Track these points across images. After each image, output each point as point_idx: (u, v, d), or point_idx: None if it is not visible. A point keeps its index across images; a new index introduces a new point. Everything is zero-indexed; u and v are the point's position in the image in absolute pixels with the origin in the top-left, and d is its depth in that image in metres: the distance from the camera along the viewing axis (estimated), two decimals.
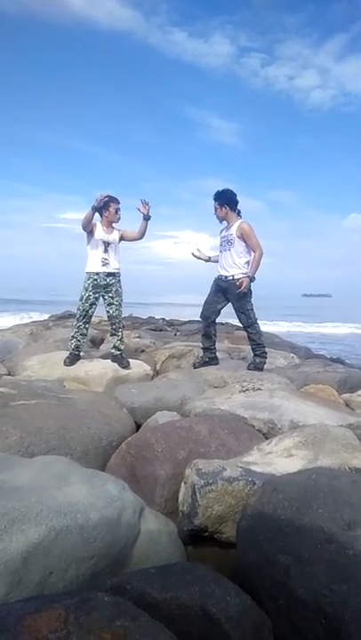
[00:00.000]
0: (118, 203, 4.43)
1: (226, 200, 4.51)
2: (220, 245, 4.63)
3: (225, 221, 4.60)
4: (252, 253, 4.46)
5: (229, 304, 4.62)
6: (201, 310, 4.78)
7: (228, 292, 4.52)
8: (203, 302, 4.79)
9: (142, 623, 1.03)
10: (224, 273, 4.53)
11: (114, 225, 4.48)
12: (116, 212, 4.42)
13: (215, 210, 4.57)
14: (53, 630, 0.97)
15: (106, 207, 4.37)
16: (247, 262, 4.46)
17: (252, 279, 4.39)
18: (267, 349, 4.72)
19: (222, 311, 4.74)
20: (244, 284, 4.35)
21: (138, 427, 3.05)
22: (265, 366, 4.57)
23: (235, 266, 4.46)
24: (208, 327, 4.72)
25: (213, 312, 4.67)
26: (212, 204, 4.59)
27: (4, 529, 1.33)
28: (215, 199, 4.54)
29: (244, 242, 4.42)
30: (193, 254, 4.97)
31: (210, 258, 4.93)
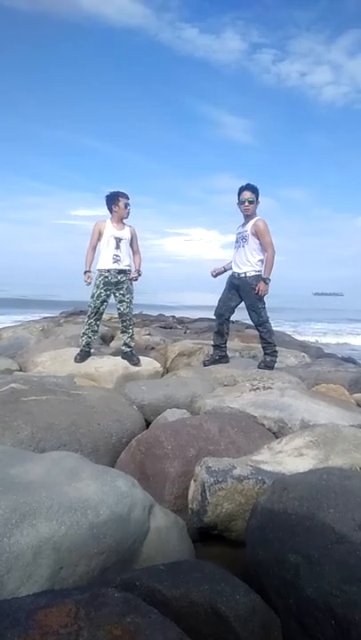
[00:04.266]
0: (127, 198, 4.43)
1: (258, 194, 4.45)
2: (236, 242, 4.59)
3: (247, 217, 4.48)
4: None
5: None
6: (215, 308, 4.77)
7: (241, 289, 4.50)
8: (213, 301, 4.77)
9: (152, 620, 1.03)
10: (237, 270, 4.51)
11: (124, 221, 4.48)
12: (126, 207, 4.42)
13: (249, 204, 4.37)
14: (64, 625, 0.98)
15: (115, 202, 4.38)
16: (260, 260, 4.41)
17: (266, 281, 4.36)
18: (277, 348, 4.70)
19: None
20: (262, 290, 4.33)
21: (147, 424, 3.06)
22: (275, 365, 4.55)
23: (247, 263, 4.43)
24: (221, 325, 4.71)
25: (227, 309, 4.65)
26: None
27: (15, 523, 1.34)
28: (253, 191, 4.39)
29: (258, 239, 4.38)
30: (213, 275, 4.83)
31: (225, 269, 4.79)
